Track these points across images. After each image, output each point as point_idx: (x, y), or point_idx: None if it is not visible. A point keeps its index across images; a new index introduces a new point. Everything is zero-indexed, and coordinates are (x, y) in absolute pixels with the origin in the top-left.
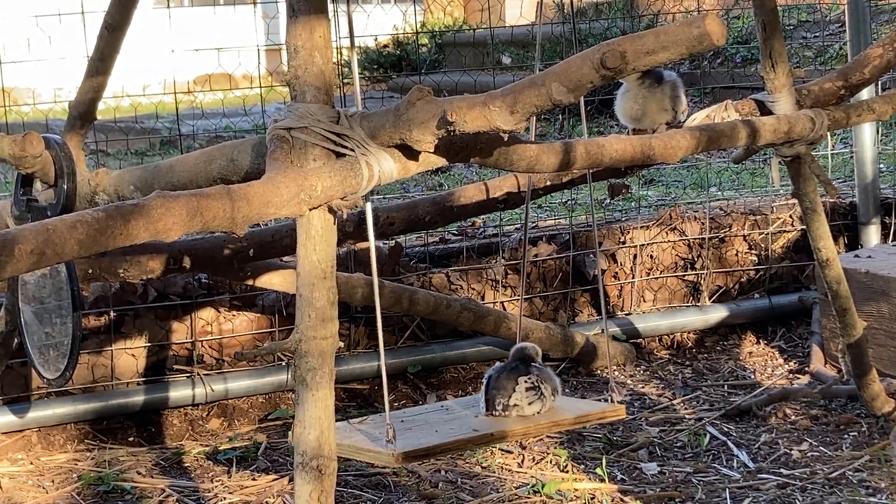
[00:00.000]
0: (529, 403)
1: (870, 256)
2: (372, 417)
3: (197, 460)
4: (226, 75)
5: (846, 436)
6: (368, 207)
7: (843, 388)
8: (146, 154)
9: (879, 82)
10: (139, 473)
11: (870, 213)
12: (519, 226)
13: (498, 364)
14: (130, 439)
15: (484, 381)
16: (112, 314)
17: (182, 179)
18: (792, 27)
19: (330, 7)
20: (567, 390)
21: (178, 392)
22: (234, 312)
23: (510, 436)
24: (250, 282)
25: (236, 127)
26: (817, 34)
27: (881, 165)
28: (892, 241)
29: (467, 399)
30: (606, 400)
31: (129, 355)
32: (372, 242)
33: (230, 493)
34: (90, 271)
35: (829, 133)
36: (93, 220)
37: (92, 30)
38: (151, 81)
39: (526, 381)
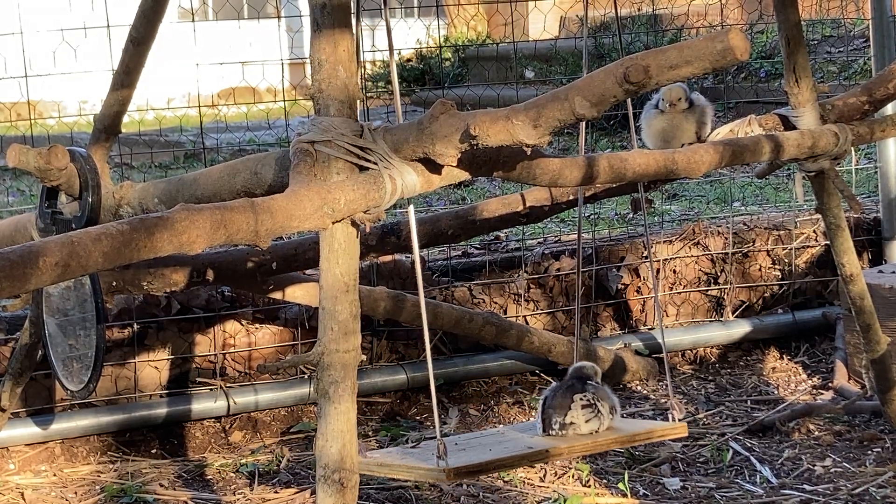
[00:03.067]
0: (586, 421)
1: (894, 272)
2: (424, 443)
3: (219, 473)
4: (250, 89)
5: (870, 452)
6: (412, 210)
7: (866, 403)
8: (170, 167)
9: None
10: (162, 486)
11: (894, 228)
12: (542, 240)
13: (554, 384)
14: (153, 451)
15: (540, 401)
16: (136, 326)
17: (206, 192)
18: (816, 42)
19: (353, 22)
20: None
21: (201, 405)
22: (257, 325)
23: (567, 453)
24: (273, 295)
25: (260, 140)
26: (841, 49)
27: None
28: None
29: (523, 425)
30: (666, 418)
31: (153, 367)
32: (416, 250)
33: None
34: (114, 284)
35: (853, 148)
36: (117, 233)
37: (117, 43)
38: (176, 95)
39: (582, 399)
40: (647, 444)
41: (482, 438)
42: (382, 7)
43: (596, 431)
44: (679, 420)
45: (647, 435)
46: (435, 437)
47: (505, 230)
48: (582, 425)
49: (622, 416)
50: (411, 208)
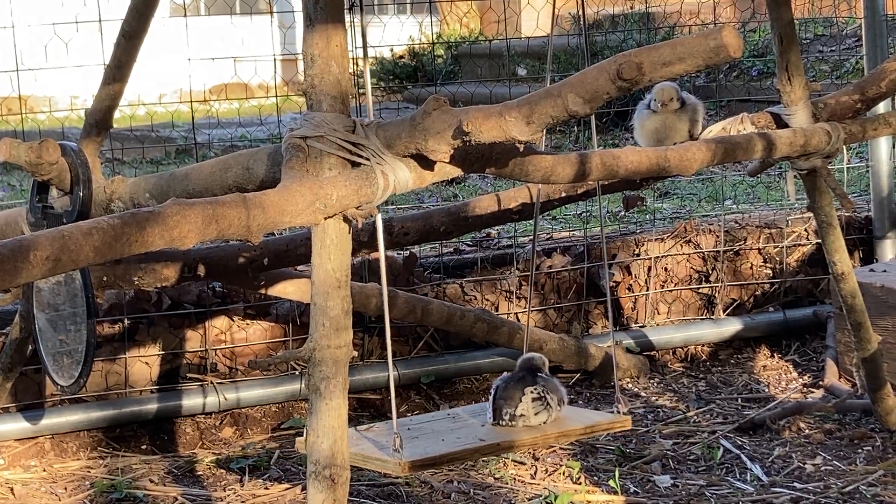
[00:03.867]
0: (536, 413)
1: (885, 270)
2: (378, 425)
3: (209, 469)
4: (242, 84)
5: (860, 450)
6: (379, 219)
7: (857, 402)
8: (161, 162)
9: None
10: (152, 481)
11: (885, 227)
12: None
13: (505, 374)
14: (143, 447)
15: (491, 390)
16: (126, 322)
17: (197, 187)
18: (808, 41)
19: (346, 18)
20: (580, 402)
21: (192, 400)
22: (248, 321)
23: (517, 446)
24: (264, 291)
25: (252, 136)
26: (834, 48)
27: None
28: None
29: (474, 407)
30: (614, 411)
31: (143, 363)
32: (382, 253)
33: (242, 501)
34: (105, 279)
35: (844, 147)
36: (108, 227)
37: (109, 38)
38: (167, 90)
39: (532, 392)
40: (594, 436)
41: (433, 423)
42: (358, 4)
43: (545, 423)
44: (623, 413)
45: (593, 428)
46: (387, 421)
47: (497, 227)
48: (531, 417)
49: (574, 407)
50: (379, 217)
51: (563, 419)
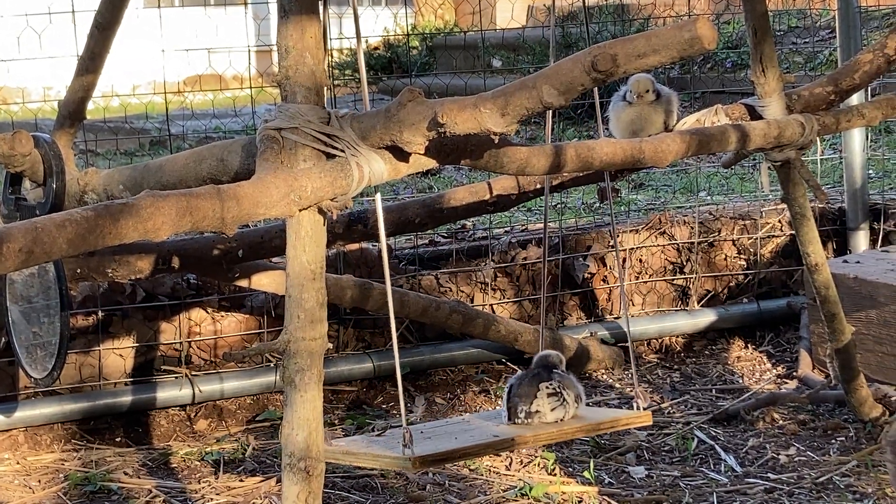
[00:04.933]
0: (552, 410)
1: (858, 262)
2: (389, 431)
3: (184, 461)
4: (216, 76)
5: (834, 441)
6: (378, 200)
7: (830, 392)
8: (136, 154)
9: (869, 88)
10: (126, 474)
11: (858, 218)
12: (509, 228)
13: (520, 372)
14: (118, 440)
15: (505, 389)
16: (100, 314)
17: (171, 179)
18: (782, 32)
19: (321, 10)
20: None
21: (166, 393)
22: (223, 313)
23: (532, 442)
24: (239, 282)
25: (226, 128)
26: (808, 39)
27: (870, 171)
28: (880, 246)
29: (489, 413)
30: (631, 406)
31: (117, 355)
32: (383, 240)
33: (217, 494)
34: (78, 271)
35: (818, 138)
36: (82, 219)
37: (82, 29)
38: (141, 82)
39: (548, 388)
40: (611, 432)
41: (447, 427)
42: None
43: (561, 420)
44: (643, 409)
45: (611, 423)
46: (400, 426)
47: (472, 219)
48: (547, 413)
49: (587, 405)
50: (378, 197)
51: (581, 416)
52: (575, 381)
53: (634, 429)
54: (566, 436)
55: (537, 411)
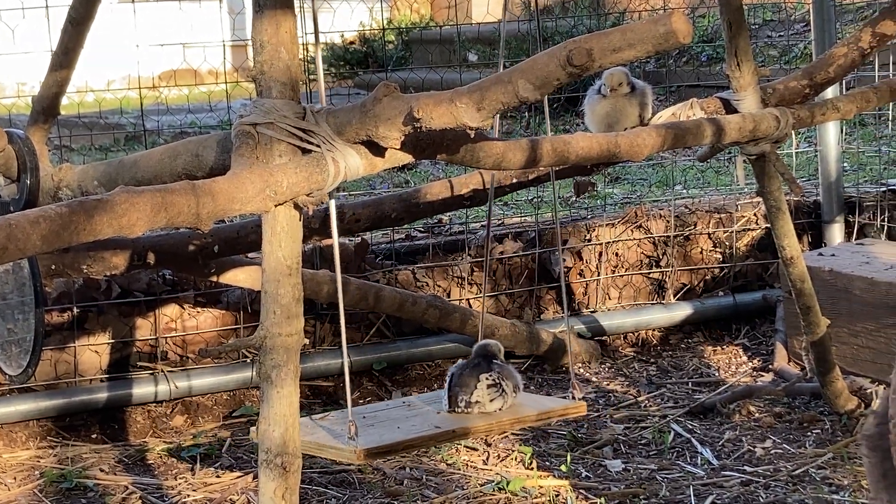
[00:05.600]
0: (491, 400)
1: (833, 255)
2: (334, 413)
3: (160, 457)
4: (191, 71)
5: (809, 433)
6: (332, 205)
7: (806, 385)
8: (110, 149)
9: (844, 81)
10: (102, 470)
11: (833, 211)
12: (485, 223)
13: (461, 361)
14: (93, 436)
15: (447, 378)
16: (75, 310)
17: (146, 175)
18: (757, 26)
19: (296, 3)
20: (532, 387)
21: (142, 389)
22: (199, 309)
23: (472, 433)
24: (215, 278)
25: (201, 123)
26: (782, 33)
27: (845, 164)
28: (855, 239)
29: (430, 395)
30: (568, 397)
31: (93, 352)
32: (335, 239)
33: (194, 490)
34: (53, 267)
35: (793, 131)
36: (56, 216)
37: (56, 24)
38: (116, 77)
39: (487, 379)
40: (553, 422)
41: (389, 411)
42: None
43: (500, 409)
44: (578, 399)
45: (549, 413)
46: (342, 409)
47: (448, 213)
48: (487, 404)
49: (532, 394)
50: (332, 203)
51: (519, 406)
52: (513, 371)
53: (610, 422)
54: (504, 426)
55: (477, 402)
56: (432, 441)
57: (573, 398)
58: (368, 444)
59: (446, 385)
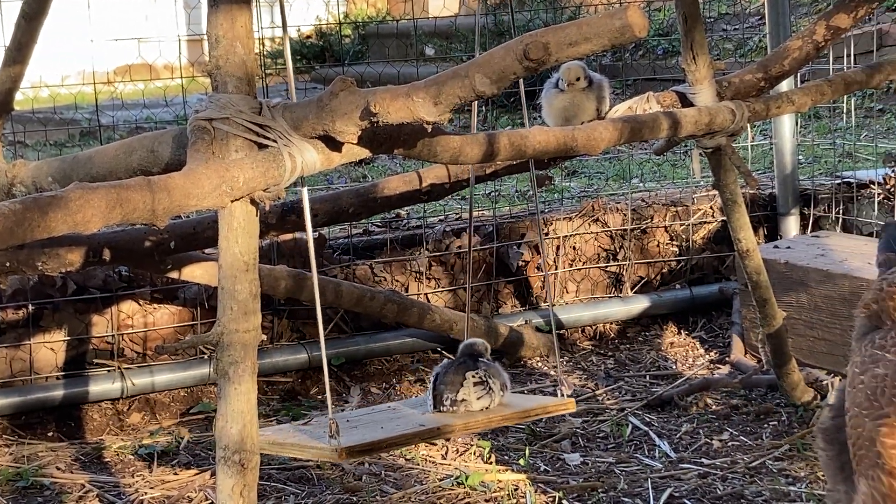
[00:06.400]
0: (478, 398)
1: (789, 247)
2: (316, 419)
3: (118, 455)
4: (146, 66)
5: (766, 425)
6: (305, 193)
7: (762, 377)
8: (65, 145)
9: (798, 74)
10: (59, 469)
11: (789, 203)
12: (443, 217)
13: (445, 361)
14: (50, 434)
15: (431, 377)
16: (30, 307)
17: (101, 171)
18: (712, 19)
19: None
20: None
21: (99, 386)
22: (156, 305)
23: (458, 430)
24: (172, 274)
25: (157, 118)
26: (737, 26)
27: (800, 157)
28: (810, 231)
29: (415, 399)
30: (554, 393)
31: (49, 349)
32: (309, 230)
33: (151, 487)
34: (7, 264)
35: (749, 124)
36: (9, 212)
37: (9, 19)
38: (70, 72)
39: (474, 376)
40: (538, 419)
41: (374, 415)
42: None
43: (487, 408)
44: (567, 396)
45: (536, 411)
46: (324, 414)
47: (406, 208)
48: (473, 402)
49: (512, 392)
50: (305, 191)
51: (506, 404)
52: (500, 370)
53: (568, 415)
54: (492, 424)
55: (463, 400)
56: (416, 439)
57: (561, 395)
58: (350, 443)
59: (430, 384)
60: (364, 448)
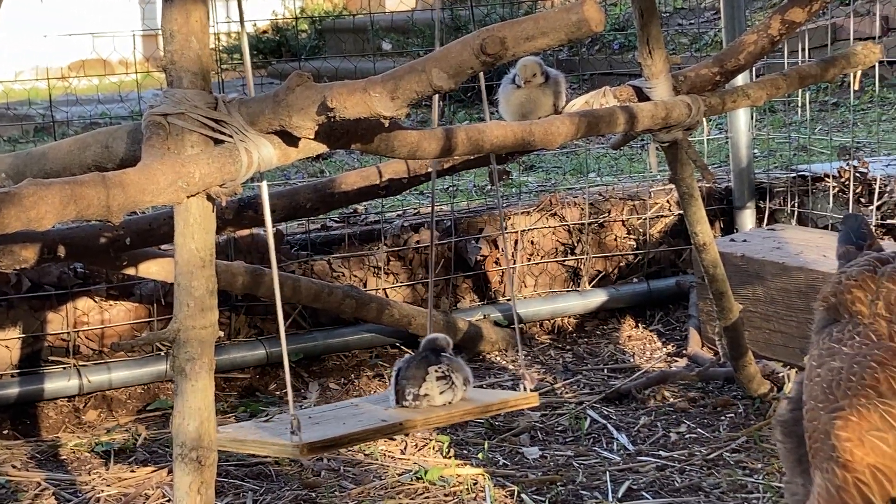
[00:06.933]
0: (440, 393)
1: (745, 240)
2: (277, 416)
3: (74, 453)
4: (101, 61)
5: (723, 417)
6: (265, 191)
7: (719, 370)
8: (19, 141)
9: (754, 68)
10: (14, 467)
11: (745, 197)
12: (401, 212)
13: (407, 355)
14: (5, 432)
15: (393, 372)
16: None
17: (55, 167)
18: (668, 14)
19: None
20: None
21: (55, 384)
22: (112, 302)
23: (420, 425)
24: (128, 271)
25: (112, 113)
26: (693, 21)
27: (755, 150)
28: (766, 225)
29: (377, 396)
30: (510, 387)
31: (3, 347)
32: (269, 224)
33: (108, 485)
34: None
35: (704, 119)
36: None
37: None
38: (24, 67)
39: (437, 371)
40: (501, 414)
41: (336, 411)
42: None
43: (450, 402)
44: (530, 390)
45: (499, 405)
46: (285, 412)
47: (364, 203)
48: (436, 397)
49: (475, 387)
50: (264, 184)
51: (469, 398)
52: (463, 364)
53: (527, 409)
54: (455, 419)
55: (426, 395)
56: (378, 434)
57: (524, 389)
58: (311, 439)
59: (392, 380)
60: (326, 444)
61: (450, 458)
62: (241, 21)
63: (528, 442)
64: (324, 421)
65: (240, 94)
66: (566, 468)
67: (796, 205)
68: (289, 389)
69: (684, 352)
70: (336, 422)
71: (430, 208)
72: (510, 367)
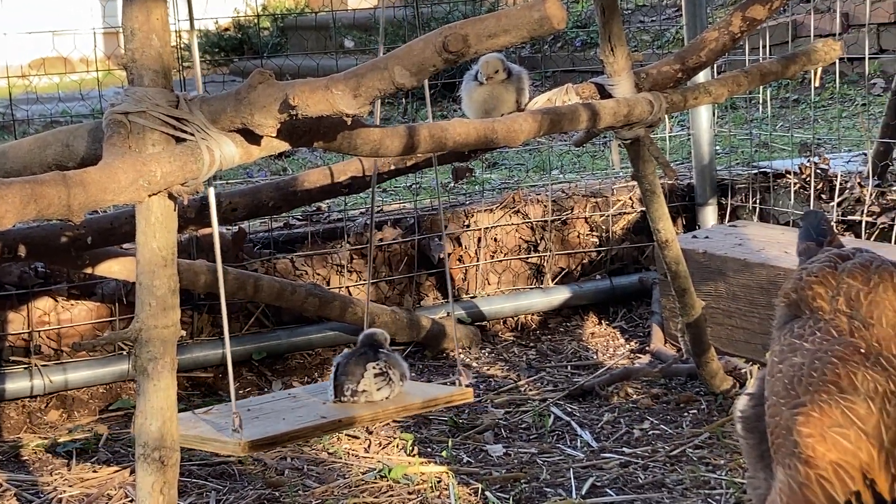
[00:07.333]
0: (378, 389)
1: (707, 237)
2: (217, 407)
3: (35, 453)
4: (61, 59)
5: (686, 414)
6: (211, 192)
7: (682, 366)
8: None
9: (715, 65)
10: None
11: (707, 194)
12: (364, 210)
13: (346, 351)
14: None
15: (332, 367)
16: None
17: (15, 166)
18: (630, 11)
19: None
20: (414, 374)
21: (15, 384)
22: (73, 301)
23: (358, 421)
24: (89, 270)
25: (73, 112)
26: (655, 18)
27: (717, 147)
28: (728, 221)
29: (315, 386)
30: (454, 383)
31: None
32: (215, 227)
33: (70, 486)
34: None
35: (666, 116)
36: None
37: None
38: None
39: (375, 367)
40: (434, 409)
41: (274, 403)
42: None
43: (387, 398)
44: (465, 385)
45: (437, 400)
46: (227, 402)
47: (327, 201)
48: (374, 393)
49: (420, 382)
50: (211, 190)
51: (406, 394)
52: (400, 360)
53: (491, 407)
54: (392, 415)
55: (364, 391)
56: (318, 431)
57: (460, 384)
58: (252, 437)
59: (332, 375)
60: (267, 442)
61: (414, 456)
62: (191, 19)
63: (492, 439)
64: (263, 415)
65: (203, 92)
66: (530, 465)
67: (758, 201)
68: (231, 386)
69: (647, 348)
70: (275, 416)
71: (393, 206)
72: (474, 364)
